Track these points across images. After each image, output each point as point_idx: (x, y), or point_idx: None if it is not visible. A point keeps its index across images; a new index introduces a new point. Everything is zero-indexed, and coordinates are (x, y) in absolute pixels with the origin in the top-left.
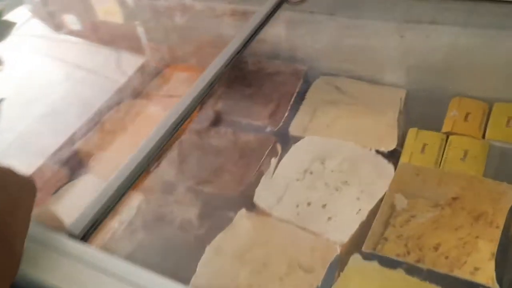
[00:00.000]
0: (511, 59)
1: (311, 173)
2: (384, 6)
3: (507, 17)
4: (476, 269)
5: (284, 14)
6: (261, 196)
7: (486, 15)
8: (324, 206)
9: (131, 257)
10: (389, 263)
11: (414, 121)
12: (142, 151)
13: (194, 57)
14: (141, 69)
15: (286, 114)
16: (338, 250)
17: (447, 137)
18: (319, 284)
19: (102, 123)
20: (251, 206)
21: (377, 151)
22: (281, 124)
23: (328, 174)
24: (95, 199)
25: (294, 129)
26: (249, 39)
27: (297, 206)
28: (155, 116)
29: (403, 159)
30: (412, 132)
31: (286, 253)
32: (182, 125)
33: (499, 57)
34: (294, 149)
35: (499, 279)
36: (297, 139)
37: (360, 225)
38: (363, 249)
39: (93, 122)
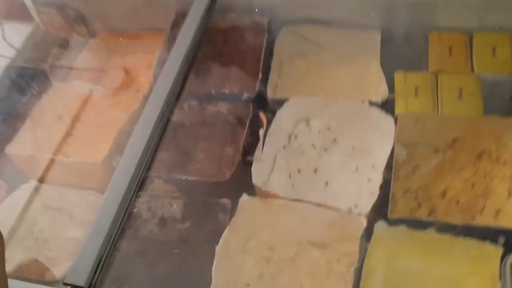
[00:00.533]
0: None
1: (295, 137)
2: None
3: None
4: (497, 211)
5: None
6: (258, 176)
7: None
8: (315, 170)
9: None
10: (420, 225)
11: (394, 63)
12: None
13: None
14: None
15: (260, 77)
16: (365, 223)
17: (436, 77)
18: (356, 265)
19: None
20: (248, 188)
21: (371, 103)
22: (257, 88)
23: (315, 134)
24: (89, 239)
25: (272, 91)
26: None
27: (289, 176)
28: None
29: (399, 107)
30: (399, 76)
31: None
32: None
33: None
34: (279, 114)
35: None
36: (279, 101)
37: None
38: (390, 216)
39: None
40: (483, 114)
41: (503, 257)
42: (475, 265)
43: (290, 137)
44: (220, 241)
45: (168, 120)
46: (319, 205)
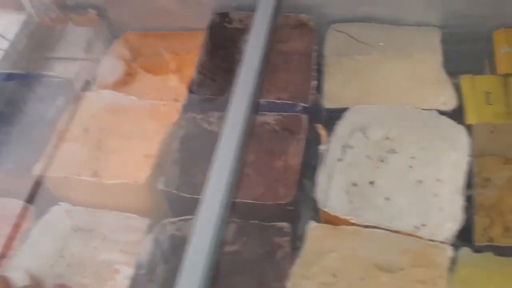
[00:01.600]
0: None
1: (351, 147)
2: None
3: None
4: None
5: None
6: (326, 199)
7: None
8: (371, 183)
9: None
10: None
11: (457, 65)
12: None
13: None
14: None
15: (315, 83)
16: (450, 253)
17: (507, 80)
18: None
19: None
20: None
21: (439, 111)
22: (311, 96)
23: (372, 145)
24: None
25: (328, 99)
26: None
27: (347, 192)
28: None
29: (470, 116)
30: (466, 79)
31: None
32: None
33: None
34: (338, 126)
35: None
36: (335, 110)
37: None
38: (477, 242)
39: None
40: None
41: None
42: None
43: (345, 148)
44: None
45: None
46: (395, 232)
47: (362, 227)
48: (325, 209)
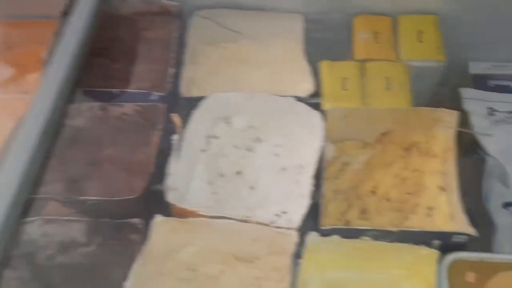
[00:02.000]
0: None
1: (215, 137)
2: None
3: None
4: (430, 208)
5: None
6: (174, 191)
7: None
8: (239, 173)
9: None
10: (355, 233)
11: (318, 52)
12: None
13: None
14: None
15: (171, 71)
16: (295, 238)
17: (363, 65)
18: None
19: None
20: (163, 207)
21: (296, 97)
22: (169, 84)
23: (237, 134)
24: None
25: (186, 88)
26: None
27: (210, 183)
28: None
29: (326, 101)
30: (325, 66)
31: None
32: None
33: None
34: (196, 115)
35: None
36: (195, 99)
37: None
38: (322, 225)
39: None
40: (411, 105)
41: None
42: (410, 270)
43: (209, 138)
44: (133, 266)
45: (62, 126)
46: (244, 221)
47: (213, 219)
48: (172, 202)
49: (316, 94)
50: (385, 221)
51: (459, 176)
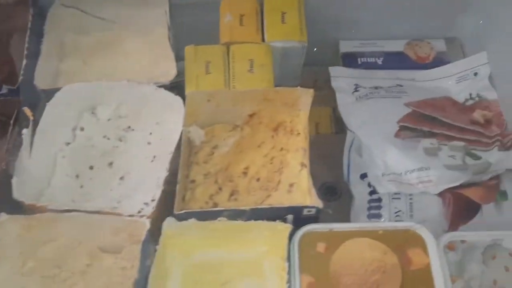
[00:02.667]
0: None
1: (82, 129)
2: None
3: None
4: (291, 185)
5: None
6: (23, 188)
7: None
8: (110, 164)
9: None
10: (211, 215)
11: (185, 36)
12: None
13: None
14: None
15: (24, 62)
16: (148, 225)
17: (228, 48)
18: (136, 275)
19: None
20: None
21: (158, 84)
22: (20, 78)
23: (105, 124)
24: None
25: (41, 81)
26: None
27: (77, 176)
28: None
29: (189, 85)
30: (189, 51)
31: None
32: None
33: None
34: (51, 107)
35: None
36: (50, 92)
37: (160, 182)
38: (175, 211)
39: None
40: (274, 86)
41: (292, 234)
42: (270, 245)
43: (74, 130)
44: None
45: None
46: (96, 212)
47: (70, 213)
48: (19, 199)
49: (179, 79)
50: (253, 200)
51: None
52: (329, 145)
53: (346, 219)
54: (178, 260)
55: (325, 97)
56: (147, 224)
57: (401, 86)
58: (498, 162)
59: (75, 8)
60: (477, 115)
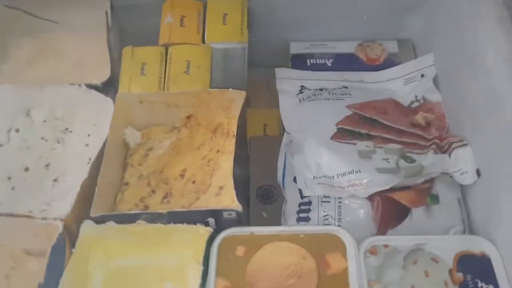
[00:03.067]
0: None
1: (17, 131)
2: None
3: None
4: (221, 188)
5: None
6: None
7: None
8: (47, 166)
9: None
10: (129, 218)
11: (130, 38)
12: None
13: None
14: None
15: None
16: (61, 227)
17: (167, 50)
18: (41, 280)
19: None
20: None
21: (89, 86)
22: None
23: (41, 126)
24: None
25: None
26: None
27: (9, 178)
28: None
29: (122, 87)
30: (126, 52)
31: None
32: None
33: None
34: None
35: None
36: None
37: (82, 187)
38: (91, 214)
39: None
40: (210, 87)
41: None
42: (191, 249)
43: (9, 132)
44: None
45: None
46: (10, 215)
47: None
48: None
49: (111, 81)
50: (185, 202)
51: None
52: (274, 147)
53: (280, 222)
54: (99, 265)
55: (276, 98)
56: (59, 227)
57: (346, 88)
58: (432, 166)
59: (18, 9)
60: (419, 117)
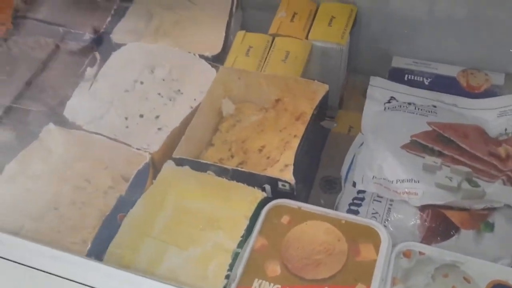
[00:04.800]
0: None
1: (141, 83)
2: None
3: None
4: (286, 165)
5: None
6: (75, 110)
7: None
8: (157, 117)
9: None
10: (202, 166)
11: (248, 24)
12: None
13: None
14: None
15: (108, 19)
16: (148, 158)
17: (273, 39)
18: (123, 193)
19: None
20: (63, 122)
21: (201, 56)
22: (102, 30)
23: (160, 83)
24: None
25: (118, 35)
26: None
27: (127, 118)
28: None
29: (227, 63)
30: (239, 35)
31: (106, 167)
32: None
33: None
34: (116, 57)
35: None
36: (120, 46)
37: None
38: (173, 155)
39: None
40: (297, 78)
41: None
42: (245, 206)
43: (135, 82)
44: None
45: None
46: (115, 139)
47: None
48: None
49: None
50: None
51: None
52: (349, 147)
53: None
54: (170, 200)
55: None
56: (146, 157)
57: (434, 107)
58: (496, 195)
59: None
60: (501, 149)
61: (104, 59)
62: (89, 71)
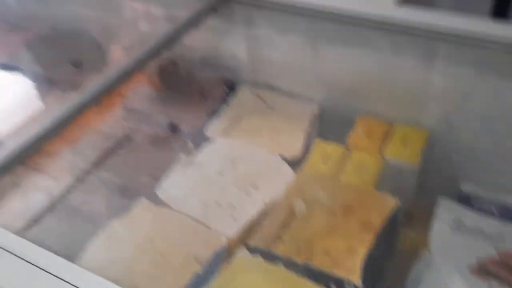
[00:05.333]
0: (408, 87)
1: (222, 174)
2: (304, 25)
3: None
4: (351, 270)
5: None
6: (166, 190)
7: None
8: (233, 208)
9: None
10: (273, 258)
11: (324, 133)
12: None
13: None
14: None
15: (206, 117)
16: (225, 241)
17: (349, 151)
18: (199, 270)
19: None
20: (152, 198)
21: (282, 158)
22: (199, 126)
23: (238, 176)
24: None
25: (211, 131)
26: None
27: (206, 205)
28: None
29: (305, 167)
30: (317, 143)
31: (182, 246)
32: None
33: (398, 83)
34: (208, 150)
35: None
36: (212, 141)
37: (251, 223)
38: (247, 243)
39: None
40: (370, 188)
41: None
42: None
43: (219, 174)
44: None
45: None
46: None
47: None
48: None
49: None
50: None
51: None
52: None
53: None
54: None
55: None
56: (224, 240)
57: (503, 236)
58: None
59: (255, 95)
60: None
61: (196, 149)
62: (183, 157)
